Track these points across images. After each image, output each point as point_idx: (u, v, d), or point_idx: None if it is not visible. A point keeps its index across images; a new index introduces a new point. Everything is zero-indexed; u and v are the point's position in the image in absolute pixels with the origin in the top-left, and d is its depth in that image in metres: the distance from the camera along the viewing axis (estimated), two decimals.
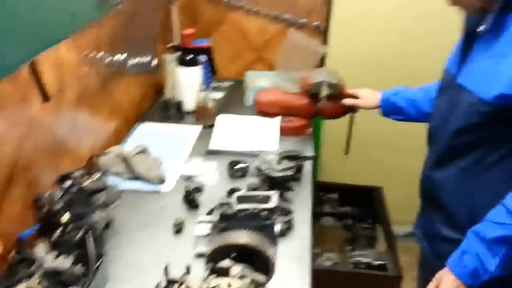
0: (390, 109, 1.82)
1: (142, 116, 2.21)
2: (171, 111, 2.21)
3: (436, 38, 2.37)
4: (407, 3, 2.44)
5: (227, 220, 1.35)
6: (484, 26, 1.27)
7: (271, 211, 1.41)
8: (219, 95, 2.43)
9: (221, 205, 1.44)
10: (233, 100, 2.39)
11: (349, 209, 2.86)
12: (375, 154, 2.87)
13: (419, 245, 1.66)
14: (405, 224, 2.95)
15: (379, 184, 2.88)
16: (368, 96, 1.87)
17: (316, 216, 2.74)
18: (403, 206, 2.76)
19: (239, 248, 1.21)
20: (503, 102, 1.21)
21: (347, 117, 1.96)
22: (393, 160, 2.86)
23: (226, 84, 2.56)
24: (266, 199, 1.44)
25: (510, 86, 1.19)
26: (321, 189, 2.91)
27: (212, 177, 1.78)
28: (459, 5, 1.31)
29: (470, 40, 1.35)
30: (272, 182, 1.68)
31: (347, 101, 1.88)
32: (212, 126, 2.08)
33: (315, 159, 2.64)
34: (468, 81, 1.32)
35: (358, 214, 2.82)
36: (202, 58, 2.22)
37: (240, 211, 1.39)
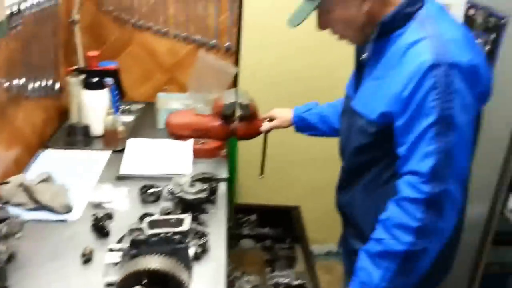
0: (304, 126, 1.90)
1: (46, 142, 2.11)
2: (78, 136, 2.13)
3: (342, 55, 2.49)
4: (311, 29, 2.50)
5: (138, 246, 1.30)
6: (366, 54, 1.41)
7: (184, 234, 1.37)
8: (129, 118, 2.39)
9: (132, 231, 1.38)
10: (145, 123, 2.36)
11: (268, 230, 2.90)
12: (292, 173, 2.94)
13: (343, 263, 1.72)
14: (324, 242, 3.03)
15: (297, 203, 2.94)
16: (282, 116, 1.93)
17: (236, 238, 2.75)
18: (321, 224, 2.84)
19: (150, 274, 1.18)
20: (385, 120, 1.31)
21: (261, 137, 1.99)
22: (309, 179, 2.93)
23: (136, 106, 2.52)
24: (178, 223, 1.41)
25: (389, 104, 1.29)
26: (240, 211, 2.93)
27: (123, 203, 1.72)
28: (346, 39, 1.45)
29: (360, 67, 1.47)
30: (185, 205, 1.65)
31: (264, 127, 1.94)
32: (122, 150, 2.03)
33: (231, 180, 2.65)
34: (358, 105, 1.44)
35: (277, 235, 2.87)
36: (109, 80, 2.17)
37: (151, 236, 1.34)
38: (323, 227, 2.85)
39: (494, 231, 2.27)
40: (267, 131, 1.98)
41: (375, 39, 1.36)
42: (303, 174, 2.93)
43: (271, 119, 1.96)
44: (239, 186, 2.94)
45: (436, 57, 1.21)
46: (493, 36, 2.20)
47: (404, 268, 1.27)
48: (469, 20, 2.31)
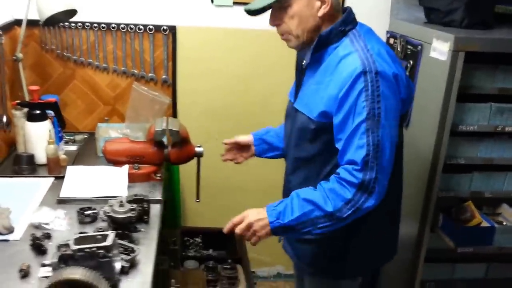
0: (265, 148, 2.10)
1: None
2: (23, 165, 2.29)
3: (272, 83, 2.78)
4: (243, 57, 2.82)
5: (66, 261, 1.47)
6: (304, 62, 1.69)
7: (107, 249, 1.53)
8: (73, 147, 2.59)
9: (60, 247, 1.55)
10: (87, 152, 2.55)
11: (212, 252, 3.07)
12: (236, 197, 3.11)
13: (284, 249, 1.99)
14: (265, 264, 3.22)
15: None
16: (245, 139, 2.12)
17: (181, 259, 2.91)
18: (266, 247, 3.02)
19: (73, 284, 1.35)
20: (324, 118, 1.61)
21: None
22: (253, 202, 3.06)
23: (80, 137, 2.72)
24: (103, 238, 1.57)
25: (327, 105, 1.59)
26: (186, 234, 3.09)
27: (61, 224, 1.89)
28: (290, 40, 1.69)
29: (301, 73, 1.77)
30: (117, 225, 1.81)
31: (226, 140, 2.13)
32: (64, 177, 2.20)
33: (174, 202, 2.85)
34: (300, 105, 1.72)
35: (220, 256, 3.01)
36: (49, 112, 2.36)
37: (78, 251, 1.49)
38: (268, 250, 3.02)
39: (426, 249, 2.51)
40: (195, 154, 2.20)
41: (314, 48, 1.64)
42: (248, 199, 3.07)
43: (235, 144, 2.14)
44: (185, 210, 3.12)
45: (365, 66, 1.52)
46: (411, 61, 2.51)
47: (316, 222, 1.56)
48: None
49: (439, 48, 2.31)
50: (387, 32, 2.79)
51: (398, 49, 2.63)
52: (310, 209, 1.56)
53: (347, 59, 1.58)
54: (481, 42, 2.27)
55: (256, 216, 1.63)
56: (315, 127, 1.66)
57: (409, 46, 2.58)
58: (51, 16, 2.34)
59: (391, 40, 2.73)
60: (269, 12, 1.68)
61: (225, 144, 2.16)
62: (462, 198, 2.64)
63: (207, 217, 3.15)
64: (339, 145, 1.59)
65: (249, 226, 1.64)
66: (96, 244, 1.54)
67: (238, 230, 1.66)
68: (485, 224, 2.58)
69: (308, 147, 1.72)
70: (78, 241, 1.56)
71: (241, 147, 2.16)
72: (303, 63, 1.72)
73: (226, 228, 1.70)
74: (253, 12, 1.71)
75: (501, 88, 2.43)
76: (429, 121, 2.38)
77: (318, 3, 1.61)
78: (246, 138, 2.13)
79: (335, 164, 1.66)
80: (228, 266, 2.87)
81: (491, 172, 2.60)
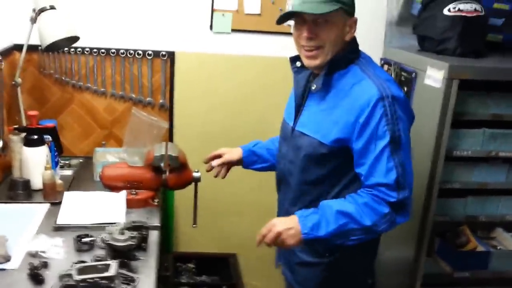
0: (254, 159, 2.08)
1: None
2: (19, 190, 2.22)
3: (264, 105, 2.82)
4: (239, 81, 2.82)
5: None
6: (315, 85, 1.69)
7: (110, 279, 1.50)
8: (69, 172, 2.51)
9: (62, 277, 1.50)
10: (83, 177, 2.48)
11: (206, 278, 2.97)
12: (229, 222, 3.06)
13: (284, 275, 1.97)
14: None
15: (235, 251, 3.05)
16: (231, 151, 2.10)
17: (175, 286, 2.82)
18: (259, 271, 2.97)
19: None
20: (338, 144, 1.63)
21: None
22: (246, 227, 3.03)
23: (76, 161, 2.64)
24: (105, 268, 1.53)
25: (343, 131, 1.61)
26: (178, 260, 3.01)
27: (59, 252, 1.82)
28: (318, 56, 1.65)
29: (302, 97, 1.77)
30: (116, 252, 1.75)
31: (215, 162, 2.08)
32: (60, 203, 2.13)
33: (167, 227, 2.78)
34: (307, 129, 1.72)
35: (214, 282, 2.93)
36: (47, 137, 2.31)
37: (80, 281, 1.46)
38: (261, 275, 3.00)
39: (423, 274, 2.48)
40: (192, 179, 2.15)
41: (327, 72, 1.65)
42: (240, 223, 3.05)
43: (219, 156, 2.09)
44: (178, 235, 3.05)
45: (381, 92, 1.56)
46: (406, 88, 2.51)
47: (351, 234, 1.58)
48: None
49: (434, 75, 2.32)
50: (381, 59, 2.80)
51: (393, 75, 2.63)
52: (345, 221, 1.56)
53: (360, 85, 1.61)
54: (474, 70, 2.29)
55: (284, 225, 1.62)
56: (326, 152, 1.66)
57: (403, 73, 2.58)
58: (53, 43, 2.29)
59: (385, 67, 2.73)
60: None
61: (212, 166, 2.12)
62: (457, 222, 2.62)
63: (200, 242, 3.09)
64: (361, 169, 1.61)
65: (278, 235, 1.61)
66: (99, 274, 1.50)
67: (267, 240, 1.63)
68: (480, 248, 2.57)
69: (316, 170, 1.71)
70: (80, 271, 1.51)
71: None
72: (313, 88, 1.71)
73: (257, 242, 1.66)
74: (285, 19, 1.70)
75: (494, 114, 2.44)
76: (424, 147, 2.37)
77: (348, 28, 1.66)
78: (235, 156, 2.09)
79: (344, 185, 1.69)
80: None
81: (486, 196, 2.60)
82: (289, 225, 1.60)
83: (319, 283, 1.82)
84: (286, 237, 1.60)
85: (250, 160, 2.09)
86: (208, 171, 2.14)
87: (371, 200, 1.57)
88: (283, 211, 1.88)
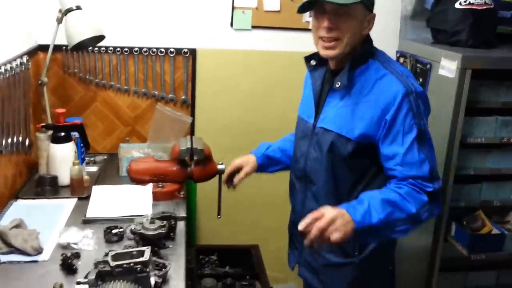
0: (268, 163, 2.01)
1: (16, 193, 2.19)
2: (46, 186, 2.19)
3: (284, 100, 2.80)
4: (259, 76, 2.80)
5: (104, 277, 1.40)
6: (340, 83, 1.63)
7: (145, 264, 1.47)
8: (94, 168, 2.49)
9: (97, 263, 1.47)
10: (109, 172, 2.46)
11: (229, 269, 2.93)
12: (251, 214, 3.04)
13: (303, 278, 1.90)
14: (286, 282, 3.11)
15: (257, 243, 2.99)
16: (247, 162, 2.00)
17: (198, 278, 2.79)
18: (281, 263, 2.92)
19: None
20: (364, 140, 1.59)
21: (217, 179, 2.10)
22: (268, 219, 3.04)
23: (100, 157, 2.62)
24: (140, 254, 1.50)
25: (369, 127, 1.58)
26: (201, 252, 2.95)
27: (89, 244, 1.81)
28: (337, 48, 1.59)
29: (320, 94, 1.73)
30: (146, 241, 1.73)
31: (237, 180, 1.99)
32: (87, 197, 2.12)
33: (190, 220, 2.74)
34: (330, 124, 1.66)
35: (237, 273, 2.88)
36: (74, 134, 2.29)
37: (116, 267, 1.43)
38: (283, 267, 2.94)
39: (440, 258, 2.48)
40: (217, 171, 2.10)
41: (350, 67, 1.61)
42: (262, 215, 3.04)
43: (239, 169, 2.01)
44: (200, 227, 3.02)
45: (406, 88, 1.54)
46: (421, 79, 2.51)
47: (396, 225, 1.51)
48: None
49: (448, 66, 2.31)
50: (397, 51, 2.79)
51: (408, 67, 2.62)
52: (392, 210, 1.49)
53: (384, 80, 1.59)
54: (486, 60, 2.31)
55: (336, 213, 1.44)
56: (352, 147, 1.62)
57: (418, 65, 2.57)
58: (80, 42, 2.26)
59: (401, 59, 2.72)
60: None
61: (235, 185, 2.03)
62: (473, 208, 2.61)
63: (222, 235, 3.05)
64: (392, 164, 1.57)
65: (332, 221, 1.41)
66: (133, 260, 1.47)
67: (317, 227, 1.41)
68: (495, 231, 2.56)
69: (341, 167, 1.66)
70: (115, 257, 1.48)
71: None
72: (337, 86, 1.64)
73: (302, 225, 1.43)
74: (307, 8, 1.63)
75: (505, 102, 2.44)
76: (439, 135, 2.34)
77: (366, 23, 1.63)
78: (253, 166, 2.00)
79: (367, 182, 1.65)
80: (246, 283, 2.75)
81: (500, 182, 2.58)
82: (341, 212, 1.45)
83: (348, 284, 1.76)
84: (338, 226, 1.41)
85: (264, 165, 2.02)
86: (234, 189, 2.07)
87: (411, 189, 1.52)
88: (301, 210, 1.77)
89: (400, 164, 1.54)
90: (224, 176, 2.08)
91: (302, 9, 1.63)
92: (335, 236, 1.41)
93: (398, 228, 1.51)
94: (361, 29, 1.61)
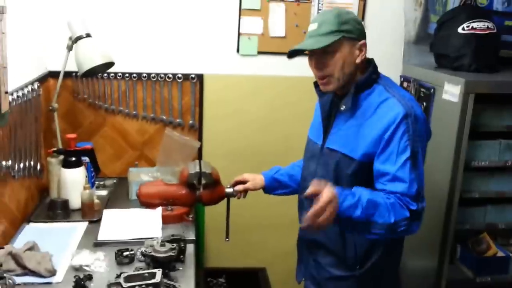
0: (276, 186, 2.08)
1: (28, 216, 2.24)
2: (58, 210, 2.25)
3: (289, 124, 2.86)
4: (265, 100, 2.86)
5: None
6: (344, 106, 1.71)
7: (156, 286, 1.52)
8: (104, 192, 2.54)
9: (110, 285, 1.53)
10: (118, 196, 2.51)
11: None
12: (259, 237, 3.07)
13: None
14: None
15: (265, 266, 3.04)
16: (255, 178, 2.09)
17: None
18: (286, 284, 2.95)
19: None
20: (367, 158, 1.66)
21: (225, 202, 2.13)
22: (276, 242, 3.07)
23: (110, 181, 2.67)
24: (151, 276, 1.56)
25: (370, 146, 1.65)
26: (209, 275, 2.99)
27: (101, 266, 1.85)
28: (330, 83, 1.70)
29: (328, 117, 1.81)
30: (157, 264, 1.78)
31: (238, 187, 2.08)
32: (98, 221, 2.18)
33: (199, 243, 2.77)
34: (336, 145, 1.74)
35: None
36: (85, 159, 2.34)
37: None
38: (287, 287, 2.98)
39: (446, 280, 2.48)
40: (226, 194, 2.11)
41: (354, 93, 1.68)
42: (270, 238, 3.07)
43: (243, 182, 2.09)
44: (207, 250, 3.05)
45: (406, 110, 1.61)
46: (425, 103, 2.55)
47: (373, 227, 1.56)
48: None
49: (451, 91, 2.36)
50: (401, 76, 2.83)
51: (412, 92, 2.67)
52: (372, 212, 1.55)
53: (387, 103, 1.66)
54: (489, 85, 2.35)
55: (331, 195, 1.48)
56: (355, 167, 1.69)
57: (422, 89, 2.62)
58: (90, 69, 2.33)
59: (405, 84, 2.76)
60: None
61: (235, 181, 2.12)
62: (478, 230, 2.63)
63: (230, 257, 3.08)
64: (384, 181, 1.63)
65: (327, 205, 1.47)
66: (145, 282, 1.53)
67: (323, 197, 1.47)
68: (500, 254, 2.58)
69: (346, 183, 1.69)
70: (127, 279, 1.54)
71: None
72: (342, 108, 1.73)
73: (308, 191, 1.51)
74: (296, 53, 1.74)
75: (509, 126, 2.48)
76: (444, 158, 2.39)
77: (357, 52, 1.69)
78: (257, 185, 2.08)
79: None
80: None
81: (504, 204, 2.61)
82: (335, 196, 1.49)
83: None
84: (332, 210, 1.48)
85: (272, 187, 2.10)
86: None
87: (396, 202, 1.58)
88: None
89: (391, 182, 1.61)
90: (229, 184, 2.13)
91: (290, 56, 1.76)
92: (322, 220, 1.49)
93: (373, 231, 1.56)
94: (352, 60, 1.68)
